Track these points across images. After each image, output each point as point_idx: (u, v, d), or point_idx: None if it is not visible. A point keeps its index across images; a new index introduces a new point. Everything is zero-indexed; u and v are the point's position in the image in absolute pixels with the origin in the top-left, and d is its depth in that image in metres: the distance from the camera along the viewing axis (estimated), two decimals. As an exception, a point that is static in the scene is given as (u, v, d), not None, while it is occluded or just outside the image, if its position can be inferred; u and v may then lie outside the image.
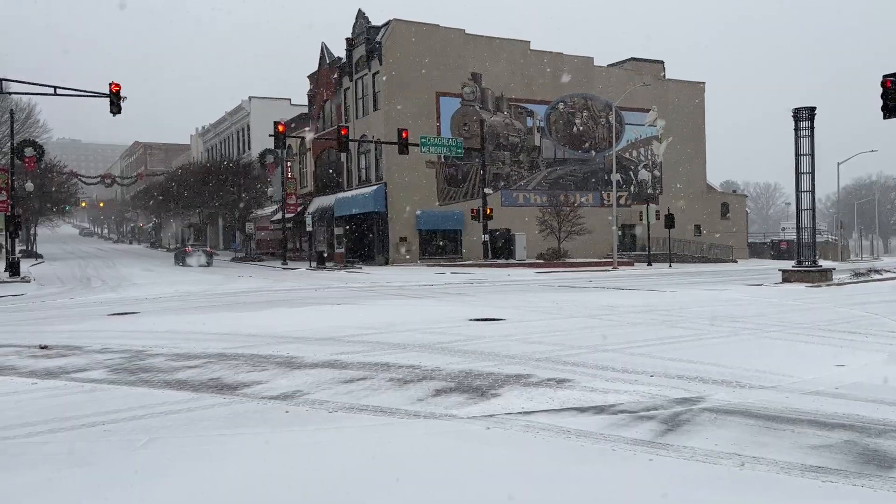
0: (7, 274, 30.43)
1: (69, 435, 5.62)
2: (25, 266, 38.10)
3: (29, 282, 29.19)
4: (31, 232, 62.51)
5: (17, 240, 33.17)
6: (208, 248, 47.28)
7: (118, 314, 15.47)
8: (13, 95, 43.36)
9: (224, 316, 14.65)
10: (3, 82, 26.38)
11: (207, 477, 4.61)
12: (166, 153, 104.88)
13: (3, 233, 35.17)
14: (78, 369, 8.54)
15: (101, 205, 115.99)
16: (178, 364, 8.74)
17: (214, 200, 58.81)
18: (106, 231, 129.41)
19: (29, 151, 33.55)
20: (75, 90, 25.76)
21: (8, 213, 31.96)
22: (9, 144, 35.90)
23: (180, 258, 44.15)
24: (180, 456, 5.05)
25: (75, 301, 20.00)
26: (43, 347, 10.30)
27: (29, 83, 25.60)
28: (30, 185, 46.93)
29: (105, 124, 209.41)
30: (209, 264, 41.69)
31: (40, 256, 55.00)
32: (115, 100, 24.40)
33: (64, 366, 8.79)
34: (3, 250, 39.76)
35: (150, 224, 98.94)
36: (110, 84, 24.47)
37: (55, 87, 25.07)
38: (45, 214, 63.05)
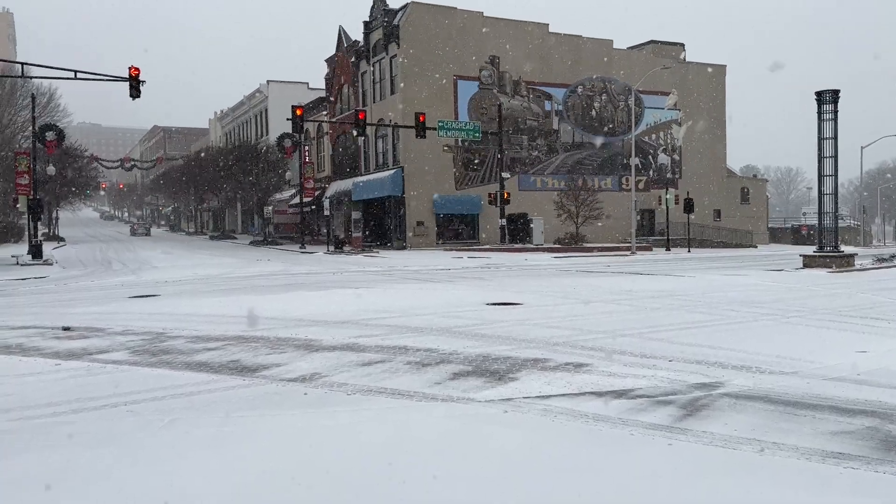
0: (30, 257, 30.85)
1: (92, 415, 5.70)
2: (48, 249, 38.58)
3: (51, 264, 29.57)
4: (53, 215, 63.25)
5: (39, 223, 33.58)
6: (147, 225, 77.66)
7: (139, 297, 15.64)
8: (35, 80, 43.75)
9: (243, 299, 14.75)
10: (25, 66, 26.59)
11: (229, 457, 4.65)
12: (185, 137, 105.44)
13: (26, 216, 35.62)
14: (100, 350, 8.65)
15: (122, 186, 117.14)
16: (197, 346, 8.83)
17: (233, 184, 59.11)
18: (126, 214, 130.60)
19: (50, 135, 33.87)
20: (95, 74, 25.92)
21: (30, 197, 32.34)
22: (31, 128, 36.25)
23: (132, 231, 72.17)
24: (201, 436, 5.10)
25: (97, 283, 20.24)
26: (66, 329, 10.43)
27: (50, 67, 25.80)
28: (51, 169, 47.39)
29: (125, 108, 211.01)
30: (147, 234, 70.46)
31: (62, 240, 55.68)
32: (135, 84, 24.52)
33: (86, 347, 8.91)
34: (26, 233, 40.28)
35: (170, 208, 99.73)
36: (130, 68, 24.59)
37: (76, 72, 25.22)
38: (67, 198, 63.74)
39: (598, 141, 46.74)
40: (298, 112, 33.84)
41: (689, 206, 41.84)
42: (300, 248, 43.93)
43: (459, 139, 40.95)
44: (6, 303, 15.15)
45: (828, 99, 21.77)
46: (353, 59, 47.19)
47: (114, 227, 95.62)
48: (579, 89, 46.06)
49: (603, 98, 46.99)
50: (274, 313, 11.86)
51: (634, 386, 6.47)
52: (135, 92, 24.63)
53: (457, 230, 42.66)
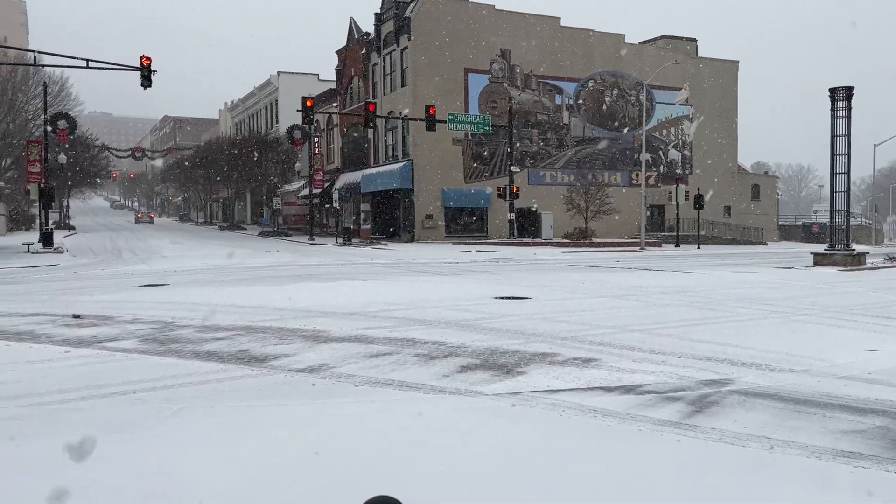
0: (41, 244, 31.02)
1: (101, 402, 5.73)
2: (58, 237, 38.78)
3: (62, 253, 29.73)
4: (64, 204, 63.54)
5: (49, 211, 33.74)
6: (151, 214, 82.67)
7: (148, 286, 15.70)
8: (47, 68, 43.89)
9: (252, 289, 14.80)
10: (37, 55, 26.68)
11: (236, 447, 4.66)
12: (196, 127, 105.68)
13: (37, 204, 35.81)
14: (110, 339, 8.69)
15: (133, 175, 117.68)
16: (206, 336, 8.85)
17: (243, 175, 59.22)
18: (136, 204, 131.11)
19: (62, 124, 33.99)
20: (107, 63, 25.98)
21: (41, 185, 32.50)
22: (43, 117, 36.39)
23: (137, 220, 74.76)
24: (210, 425, 5.11)
25: (107, 272, 20.34)
26: (76, 317, 10.49)
27: (62, 56, 25.87)
28: (63, 158, 47.61)
29: (136, 99, 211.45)
30: (151, 223, 72.61)
31: (73, 228, 55.96)
32: (146, 73, 24.58)
33: (96, 335, 8.95)
34: (37, 221, 40.51)
35: (180, 198, 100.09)
36: (141, 58, 24.65)
37: (87, 61, 25.29)
38: (78, 187, 64.01)
39: (609, 136, 46.55)
40: (308, 103, 33.83)
41: (699, 203, 41.62)
42: (309, 239, 44.01)
43: (469, 132, 40.87)
44: (17, 290, 15.25)
45: (841, 96, 21.58)
46: (363, 51, 47.13)
47: (124, 216, 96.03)
48: (590, 84, 45.86)
49: (614, 93, 46.77)
50: (283, 304, 11.88)
51: (643, 381, 6.44)
52: (146, 82, 24.69)
53: (465, 223, 42.62)
